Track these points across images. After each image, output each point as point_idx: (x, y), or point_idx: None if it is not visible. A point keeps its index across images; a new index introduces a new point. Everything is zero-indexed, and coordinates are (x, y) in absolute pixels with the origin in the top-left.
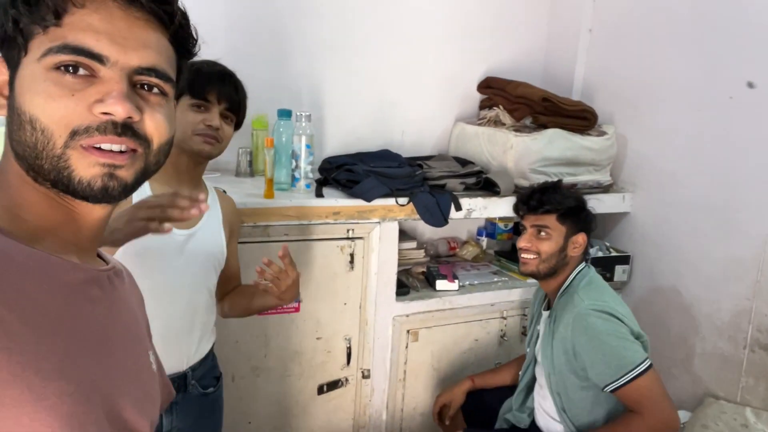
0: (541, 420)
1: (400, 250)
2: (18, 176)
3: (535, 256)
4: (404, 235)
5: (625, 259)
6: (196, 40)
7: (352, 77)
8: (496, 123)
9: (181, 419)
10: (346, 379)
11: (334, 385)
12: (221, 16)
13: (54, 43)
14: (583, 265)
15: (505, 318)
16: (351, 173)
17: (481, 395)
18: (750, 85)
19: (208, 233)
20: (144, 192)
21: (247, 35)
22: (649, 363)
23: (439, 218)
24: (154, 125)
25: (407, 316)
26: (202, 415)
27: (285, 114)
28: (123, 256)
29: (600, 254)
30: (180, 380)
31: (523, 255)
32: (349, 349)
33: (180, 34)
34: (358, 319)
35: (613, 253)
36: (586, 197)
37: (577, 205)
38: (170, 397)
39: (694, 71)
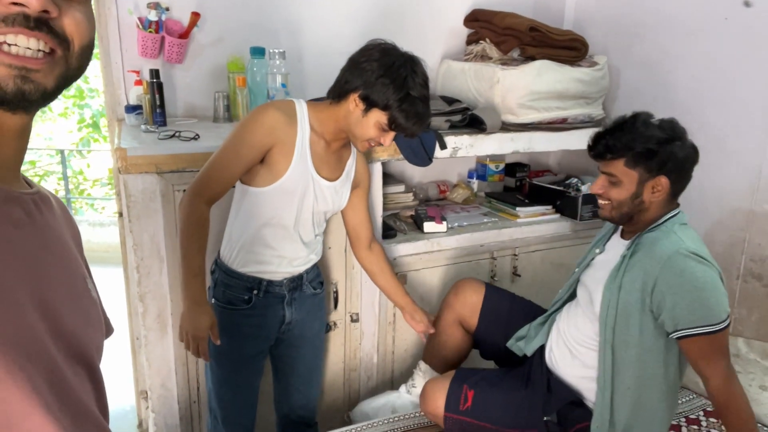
0: (555, 349)
1: (387, 194)
2: None
3: (608, 202)
4: (392, 178)
5: None
6: None
7: (333, 15)
8: (483, 57)
9: (297, 312)
10: (335, 324)
11: None
12: None
13: None
14: (677, 210)
15: (495, 258)
16: None
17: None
18: (746, 3)
19: (341, 187)
20: (304, 130)
21: None
22: (729, 321)
23: (423, 157)
24: (74, 24)
25: (395, 259)
26: (311, 310)
27: (258, 52)
28: (271, 191)
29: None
30: (297, 280)
31: (599, 200)
32: (336, 293)
33: None
34: (344, 264)
35: None
36: (576, 132)
37: (650, 147)
38: (110, 332)
39: None
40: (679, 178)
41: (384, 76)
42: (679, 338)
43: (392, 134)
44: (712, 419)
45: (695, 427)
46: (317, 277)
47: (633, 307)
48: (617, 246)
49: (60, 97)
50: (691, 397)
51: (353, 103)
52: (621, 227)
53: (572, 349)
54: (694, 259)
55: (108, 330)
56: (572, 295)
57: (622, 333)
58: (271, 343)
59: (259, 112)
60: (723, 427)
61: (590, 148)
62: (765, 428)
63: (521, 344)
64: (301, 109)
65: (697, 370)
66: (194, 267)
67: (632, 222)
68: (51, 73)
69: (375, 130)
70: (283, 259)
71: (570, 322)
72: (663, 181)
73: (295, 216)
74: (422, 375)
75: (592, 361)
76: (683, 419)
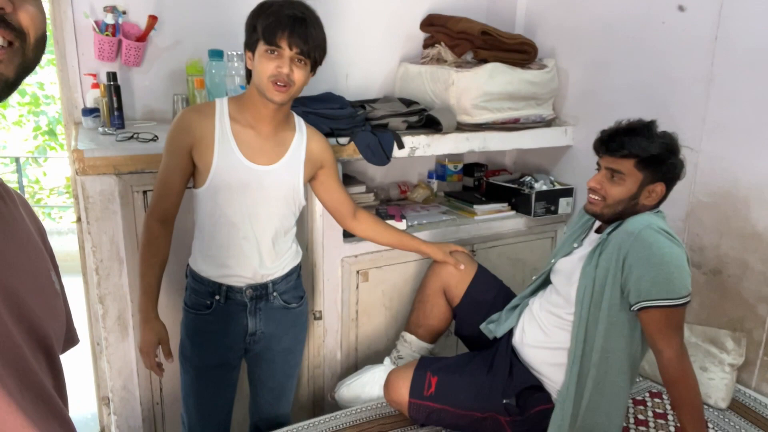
0: (527, 328)
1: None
2: None
3: (601, 198)
4: (353, 179)
5: (568, 192)
6: None
7: None
8: (438, 60)
9: (264, 324)
10: None
11: None
12: None
13: None
14: (657, 210)
15: None
16: None
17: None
18: (680, 8)
19: (285, 170)
20: (225, 131)
21: None
22: (688, 300)
23: (381, 156)
24: (29, 17)
25: (356, 256)
26: (283, 324)
27: (216, 54)
28: (208, 188)
29: (545, 188)
30: (262, 289)
31: (590, 195)
32: None
33: None
34: (307, 262)
35: (558, 187)
36: (528, 132)
37: (661, 153)
38: (72, 342)
39: None
40: (670, 187)
41: (251, 15)
42: (639, 309)
43: (286, 59)
44: (657, 400)
45: (641, 407)
46: (292, 291)
47: (606, 282)
48: (594, 242)
49: (15, 104)
50: (638, 379)
51: (248, 60)
52: (598, 224)
53: (545, 329)
54: (664, 235)
55: (73, 338)
56: (544, 284)
57: (595, 310)
58: (239, 354)
59: (175, 119)
60: (669, 404)
61: (603, 142)
62: (705, 406)
63: (492, 327)
64: (221, 104)
65: (652, 343)
66: (144, 285)
67: (616, 221)
68: (11, 64)
69: (266, 63)
70: (240, 260)
71: (543, 306)
72: (660, 188)
73: (241, 211)
74: (408, 345)
75: (563, 341)
76: (630, 401)
